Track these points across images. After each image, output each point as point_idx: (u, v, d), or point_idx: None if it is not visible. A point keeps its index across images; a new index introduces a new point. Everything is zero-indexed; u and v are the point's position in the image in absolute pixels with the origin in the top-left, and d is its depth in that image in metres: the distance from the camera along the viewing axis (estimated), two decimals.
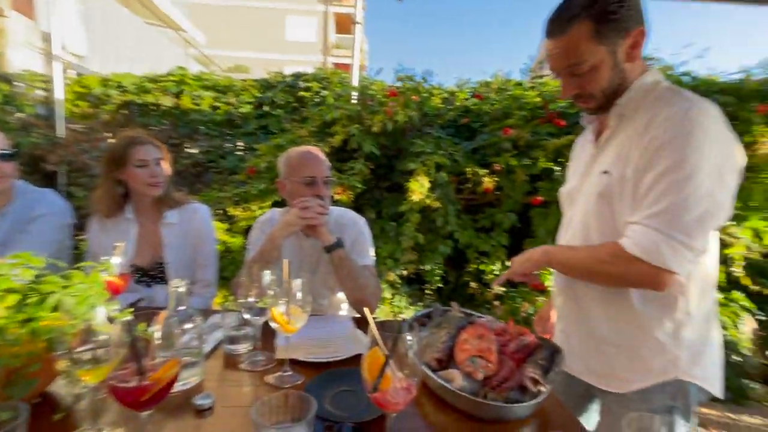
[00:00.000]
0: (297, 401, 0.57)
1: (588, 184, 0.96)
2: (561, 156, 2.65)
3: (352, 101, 3.15)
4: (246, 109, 3.86)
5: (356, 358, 0.97)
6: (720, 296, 2.52)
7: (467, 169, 2.66)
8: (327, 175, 1.35)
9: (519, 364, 0.84)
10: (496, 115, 3.06)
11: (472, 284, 2.87)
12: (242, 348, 1.00)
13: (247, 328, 1.01)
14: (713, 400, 1.01)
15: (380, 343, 0.59)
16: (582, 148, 1.07)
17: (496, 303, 2.74)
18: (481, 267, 2.73)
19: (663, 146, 0.77)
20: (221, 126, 3.72)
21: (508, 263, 2.78)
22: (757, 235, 2.32)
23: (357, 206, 2.83)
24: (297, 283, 0.89)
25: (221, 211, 2.82)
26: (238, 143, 3.68)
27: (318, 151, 1.39)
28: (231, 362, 0.95)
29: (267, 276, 0.93)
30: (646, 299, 0.88)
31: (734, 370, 2.32)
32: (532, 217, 2.72)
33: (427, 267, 2.79)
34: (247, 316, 0.94)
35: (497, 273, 2.68)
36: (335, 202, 2.65)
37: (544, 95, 3.08)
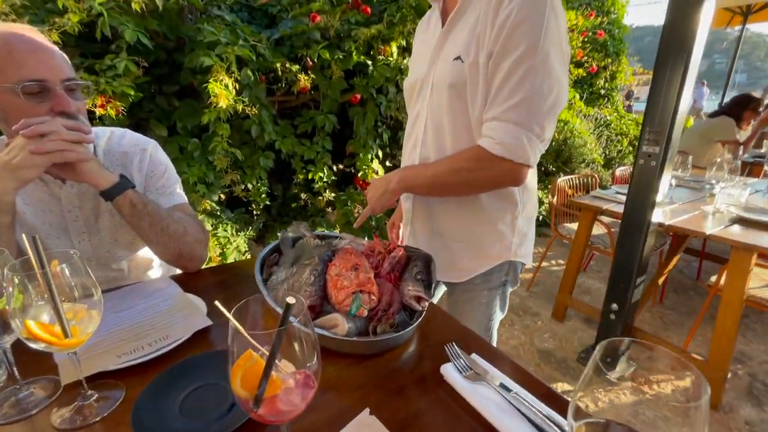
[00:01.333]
0: None
1: (437, 74, 0.86)
2: (373, 49, 2.54)
3: None
4: None
5: (201, 335, 0.73)
6: None
7: (277, 65, 2.26)
8: (69, 77, 0.83)
9: (396, 284, 0.78)
10: None
11: (302, 195, 2.72)
12: None
13: None
14: None
15: (253, 344, 0.38)
16: (426, 31, 0.94)
17: (329, 210, 2.72)
18: (310, 176, 2.58)
19: (518, 26, 0.70)
20: None
21: (335, 168, 2.73)
22: None
23: (135, 124, 2.11)
24: (65, 265, 0.53)
25: None
26: None
27: (41, 37, 0.82)
28: None
29: None
30: (494, 197, 0.92)
31: None
32: (351, 116, 2.64)
33: (249, 185, 2.45)
34: None
35: (326, 180, 2.60)
36: (95, 121, 1.88)
37: None
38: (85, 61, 1.92)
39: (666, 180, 1.57)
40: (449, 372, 0.62)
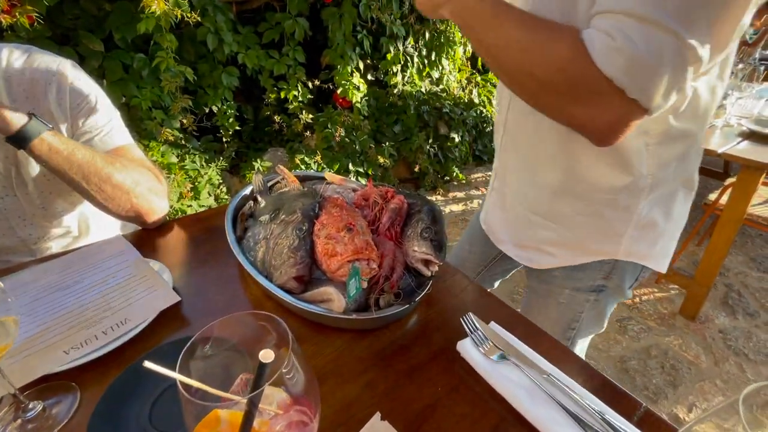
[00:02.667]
0: None
1: None
2: None
3: None
4: None
5: (169, 314, 0.61)
6: None
7: None
8: None
9: (397, 241, 0.66)
10: None
11: (276, 118, 2.44)
12: None
13: None
14: None
15: (227, 396, 0.26)
16: None
17: (308, 134, 2.47)
18: (282, 95, 2.28)
19: None
20: None
21: (311, 85, 2.41)
22: None
23: (61, 36, 1.72)
24: None
25: None
26: None
27: None
28: None
29: None
30: (604, 159, 0.63)
31: None
32: (325, 20, 2.25)
33: (214, 108, 2.16)
34: None
35: (301, 99, 2.31)
36: (6, 34, 1.50)
37: None
38: None
39: None
40: (467, 349, 0.53)
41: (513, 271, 1.04)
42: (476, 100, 3.32)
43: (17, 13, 1.47)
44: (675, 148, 0.63)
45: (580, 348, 0.86)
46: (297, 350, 0.29)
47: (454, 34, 2.91)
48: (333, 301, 0.56)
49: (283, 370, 0.26)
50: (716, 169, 2.80)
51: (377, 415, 0.44)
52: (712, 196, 1.80)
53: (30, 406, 0.47)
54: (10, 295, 0.43)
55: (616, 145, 0.52)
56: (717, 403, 1.44)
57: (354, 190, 0.78)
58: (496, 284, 1.07)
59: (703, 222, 1.85)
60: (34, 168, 0.79)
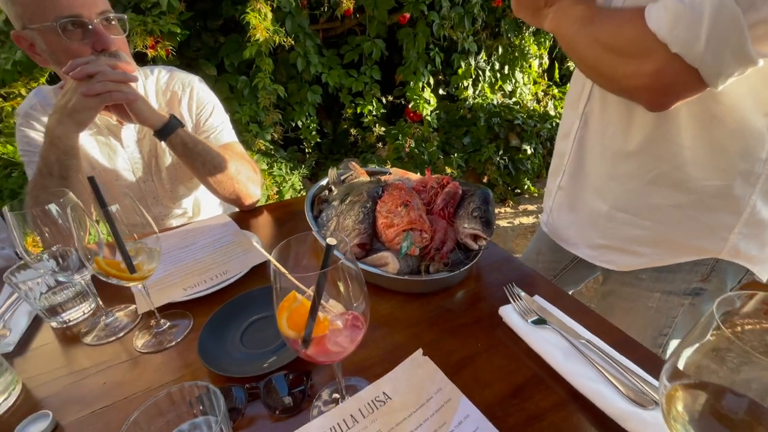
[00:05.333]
0: (192, 395, 0.35)
1: None
2: None
3: None
4: None
5: (258, 271, 0.75)
6: None
7: None
8: (104, 10, 0.80)
9: (450, 221, 0.73)
10: None
11: (352, 131, 2.66)
12: (77, 313, 0.67)
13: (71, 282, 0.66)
14: None
15: (297, 285, 0.36)
16: None
17: (380, 145, 2.64)
18: (358, 110, 2.48)
19: None
20: None
21: (384, 100, 2.59)
22: None
23: (186, 64, 2.12)
24: (115, 207, 0.54)
25: None
26: None
27: None
28: (68, 340, 0.63)
29: (53, 209, 0.55)
30: (735, 130, 0.56)
31: None
32: (400, 40, 2.43)
33: (299, 122, 2.43)
34: (49, 281, 0.59)
35: (375, 114, 2.49)
36: (146, 62, 1.90)
37: None
38: (131, 0, 1.90)
39: None
40: (509, 314, 0.58)
41: (588, 280, 0.96)
42: (552, 113, 3.23)
43: (158, 48, 1.86)
44: None
45: (665, 350, 0.77)
46: (356, 267, 0.38)
47: (529, 47, 2.90)
48: (389, 264, 0.64)
49: (344, 265, 0.35)
50: None
51: (419, 351, 0.51)
52: None
53: (162, 322, 0.63)
54: (158, 235, 0.59)
55: (733, 125, 0.53)
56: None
57: (414, 181, 0.87)
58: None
59: None
60: (167, 159, 1.01)
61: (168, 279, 0.72)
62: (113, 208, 0.52)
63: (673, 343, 0.75)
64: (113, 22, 0.83)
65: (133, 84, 0.80)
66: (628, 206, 0.67)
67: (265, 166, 2.30)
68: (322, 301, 0.37)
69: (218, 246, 0.82)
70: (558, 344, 0.52)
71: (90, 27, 0.78)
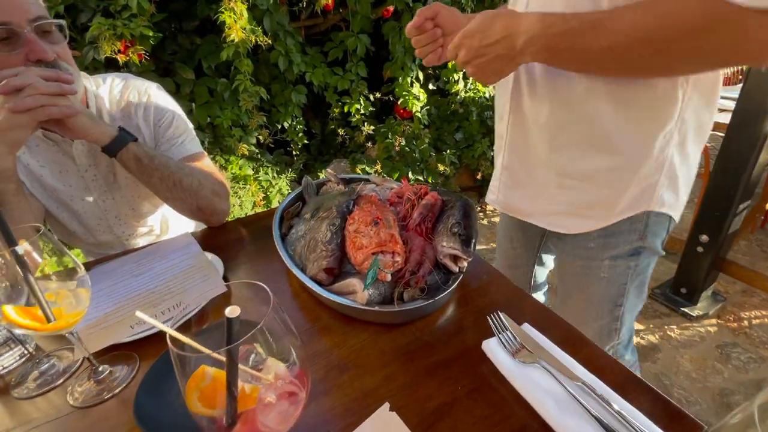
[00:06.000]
0: None
1: None
2: None
3: None
4: None
5: (218, 302, 0.67)
6: None
7: None
8: (38, 16, 0.71)
9: (428, 238, 0.65)
10: None
11: (340, 131, 2.57)
12: (8, 360, 0.59)
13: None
14: None
15: (203, 351, 0.28)
16: None
17: (369, 144, 2.56)
18: (346, 109, 2.40)
19: None
20: None
21: (372, 98, 2.50)
22: None
23: (163, 68, 2.03)
24: (27, 243, 0.46)
25: None
26: None
27: None
28: None
29: None
30: (641, 101, 0.61)
31: None
32: (386, 34, 2.33)
33: (285, 124, 2.35)
34: None
35: (363, 112, 2.40)
36: (118, 68, 1.82)
37: None
38: (100, 3, 1.81)
39: None
40: (493, 349, 0.50)
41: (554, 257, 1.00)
42: None
43: (130, 53, 1.77)
44: (705, 93, 0.63)
45: (628, 329, 0.83)
46: (281, 317, 0.30)
47: None
48: (357, 292, 0.57)
49: (265, 328, 0.28)
50: None
51: (386, 405, 0.43)
52: None
53: (100, 369, 0.55)
54: (85, 274, 0.51)
55: (650, 94, 0.59)
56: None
57: (392, 189, 0.79)
58: (545, 275, 1.04)
59: None
60: (126, 176, 0.93)
61: (116, 314, 0.65)
62: (20, 249, 0.44)
63: (628, 321, 0.81)
64: (50, 29, 0.74)
65: (74, 97, 0.71)
66: (572, 173, 0.72)
67: (250, 172, 2.21)
68: (246, 369, 0.29)
69: (176, 271, 0.74)
70: (550, 389, 0.44)
71: (21, 36, 0.70)
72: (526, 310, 0.58)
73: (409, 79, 2.40)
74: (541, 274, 1.03)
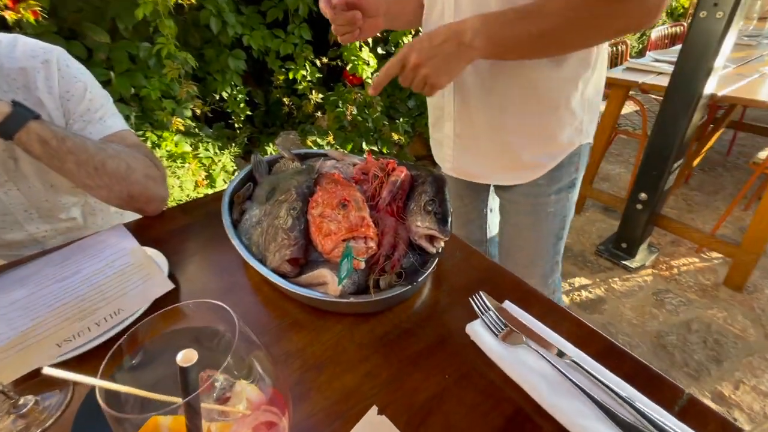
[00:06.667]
0: None
1: None
2: None
3: None
4: None
5: (164, 305, 0.58)
6: None
7: None
8: None
9: (399, 217, 0.60)
10: None
11: (286, 100, 2.40)
12: None
13: None
14: None
15: (156, 398, 0.21)
16: None
17: (319, 114, 2.42)
18: (291, 76, 2.22)
19: None
20: None
21: (319, 63, 2.33)
22: None
23: (67, 28, 1.72)
24: None
25: None
26: None
27: None
28: None
29: None
30: (569, 59, 0.71)
31: None
32: None
33: (224, 94, 2.13)
34: None
35: (310, 79, 2.24)
36: (7, 27, 1.51)
37: None
38: None
39: (732, 37, 1.24)
40: (478, 332, 0.48)
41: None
42: None
43: (21, 9, 1.47)
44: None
45: (560, 254, 0.95)
46: (251, 341, 0.24)
47: None
48: (329, 284, 0.51)
49: (231, 363, 0.22)
50: (765, 125, 2.54)
51: (374, 409, 0.40)
52: (762, 155, 1.62)
53: (21, 401, 0.46)
54: None
55: (579, 52, 0.70)
56: None
57: (355, 165, 0.73)
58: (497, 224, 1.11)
59: (751, 184, 1.68)
60: (31, 163, 0.77)
61: (36, 332, 0.54)
62: None
63: (562, 249, 0.92)
64: None
65: None
66: (521, 131, 0.79)
67: (188, 148, 2.00)
68: (212, 406, 0.23)
69: (110, 272, 0.64)
70: (540, 369, 0.43)
71: None
72: (506, 287, 0.57)
73: (357, 43, 2.26)
74: (494, 224, 1.09)
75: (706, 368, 1.41)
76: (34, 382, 0.48)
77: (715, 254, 1.86)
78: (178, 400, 0.21)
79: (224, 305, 0.25)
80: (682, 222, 1.83)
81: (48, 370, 0.21)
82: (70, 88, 0.77)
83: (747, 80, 1.53)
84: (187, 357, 0.20)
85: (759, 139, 2.74)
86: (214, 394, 0.27)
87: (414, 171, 0.65)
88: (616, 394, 0.39)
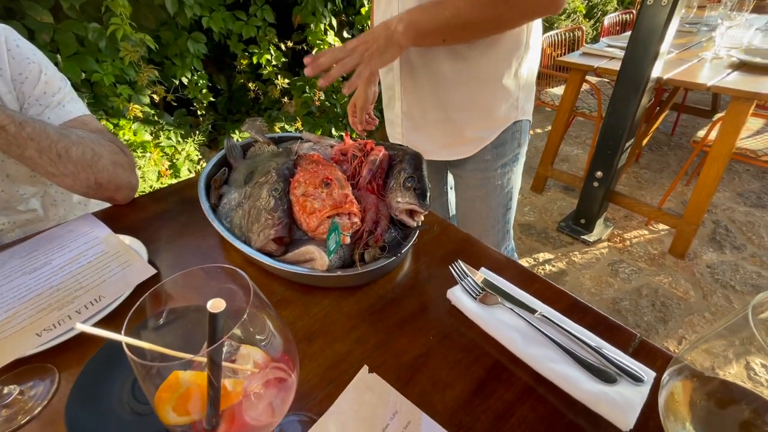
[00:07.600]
0: None
1: None
2: None
3: None
4: None
5: (146, 289, 0.57)
6: None
7: None
8: None
9: (379, 194, 0.62)
10: None
11: (251, 85, 2.33)
12: None
13: None
14: None
15: (178, 356, 0.23)
16: None
17: (285, 100, 2.37)
18: (255, 60, 2.16)
19: None
20: None
21: (284, 47, 2.28)
22: None
23: (5, 8, 1.58)
24: None
25: None
26: None
27: None
28: None
29: None
30: (499, 41, 0.79)
31: None
32: None
33: (184, 79, 2.04)
34: None
35: (275, 64, 2.19)
36: None
37: None
38: None
39: (675, 24, 1.34)
40: (458, 296, 0.52)
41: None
42: None
43: None
44: (536, 22, 0.82)
45: (510, 223, 1.03)
46: (263, 302, 0.26)
47: None
48: (315, 259, 0.53)
49: (247, 321, 0.23)
50: (704, 107, 2.76)
51: (365, 369, 0.43)
52: (701, 134, 1.78)
53: (5, 391, 0.45)
54: None
55: (510, 33, 0.78)
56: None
57: (332, 147, 0.74)
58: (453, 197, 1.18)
59: (691, 161, 1.84)
60: None
61: (12, 322, 0.52)
62: None
63: (511, 219, 1.01)
64: None
65: None
66: (462, 106, 0.86)
67: (148, 137, 1.91)
68: (226, 365, 0.25)
69: (84, 261, 0.62)
70: (515, 325, 0.47)
71: None
72: (481, 256, 0.61)
73: (322, 26, 2.22)
74: (454, 201, 1.17)
75: (654, 328, 1.56)
76: (16, 372, 0.47)
77: (661, 226, 2.04)
78: (198, 358, 0.23)
79: (236, 268, 0.27)
80: (633, 198, 1.98)
81: (80, 326, 0.22)
82: (23, 70, 0.72)
83: (688, 65, 1.66)
84: (215, 304, 0.22)
85: (699, 119, 2.98)
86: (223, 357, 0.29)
87: (391, 150, 0.67)
88: (581, 340, 0.44)
